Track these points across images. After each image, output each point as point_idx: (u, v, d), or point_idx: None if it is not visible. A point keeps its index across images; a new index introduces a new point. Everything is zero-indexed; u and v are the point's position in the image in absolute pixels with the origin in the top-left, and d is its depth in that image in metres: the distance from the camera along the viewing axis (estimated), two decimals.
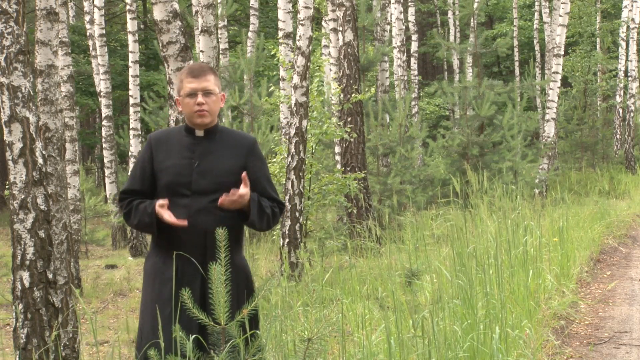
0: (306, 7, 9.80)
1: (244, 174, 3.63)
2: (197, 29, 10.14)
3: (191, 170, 3.71)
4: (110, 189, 17.25)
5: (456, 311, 4.98)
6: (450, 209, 8.40)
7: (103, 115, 17.40)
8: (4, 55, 4.80)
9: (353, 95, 12.40)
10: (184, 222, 3.60)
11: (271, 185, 3.84)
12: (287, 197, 9.56)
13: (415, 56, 26.06)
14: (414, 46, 25.93)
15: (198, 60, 10.03)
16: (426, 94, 31.31)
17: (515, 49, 28.79)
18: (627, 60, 24.11)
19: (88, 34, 18.22)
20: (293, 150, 9.60)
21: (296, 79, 9.66)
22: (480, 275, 5.44)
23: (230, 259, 3.57)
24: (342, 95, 12.38)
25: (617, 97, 24.15)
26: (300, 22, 9.74)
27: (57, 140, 5.98)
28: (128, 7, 17.75)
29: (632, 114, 23.88)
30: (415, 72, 26.02)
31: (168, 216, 3.61)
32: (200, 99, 3.70)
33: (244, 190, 3.63)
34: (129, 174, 3.84)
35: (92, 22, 17.78)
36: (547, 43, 24.75)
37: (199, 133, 3.79)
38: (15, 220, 4.80)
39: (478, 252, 5.76)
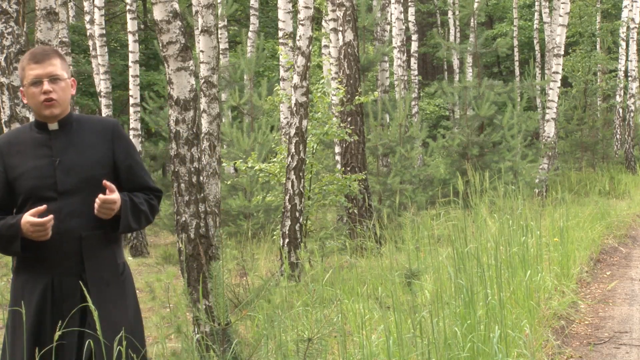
0: (306, 7, 9.80)
1: (104, 181, 3.20)
2: (197, 29, 10.13)
3: (53, 170, 3.23)
4: None
5: (456, 311, 4.98)
6: (450, 209, 8.40)
7: (103, 115, 17.40)
8: (4, 55, 4.81)
9: (356, 97, 12.41)
10: (43, 208, 3.13)
11: (144, 171, 3.45)
12: (287, 197, 9.56)
13: (415, 56, 26.06)
14: (414, 46, 25.93)
15: (198, 61, 10.02)
16: (426, 94, 31.32)
17: (515, 49, 28.79)
18: (627, 60, 24.12)
19: (88, 34, 18.21)
20: (293, 150, 9.60)
21: (296, 79, 9.67)
22: (481, 275, 5.43)
23: (114, 264, 3.32)
24: (345, 98, 12.37)
25: (617, 97, 24.15)
26: (300, 22, 9.74)
27: None
28: (128, 7, 17.75)
29: (632, 114, 23.88)
30: (415, 72, 26.02)
31: (31, 216, 3.11)
32: (46, 86, 3.22)
33: (113, 196, 3.20)
34: None
35: (92, 22, 17.77)
36: (547, 43, 24.76)
37: (53, 126, 3.30)
38: None
39: (479, 252, 5.75)
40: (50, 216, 3.12)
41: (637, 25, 23.36)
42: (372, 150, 15.22)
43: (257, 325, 5.68)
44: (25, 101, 3.31)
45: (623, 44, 24.10)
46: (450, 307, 4.99)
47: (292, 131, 9.67)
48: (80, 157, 3.28)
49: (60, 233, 3.18)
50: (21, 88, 3.31)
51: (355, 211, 12.09)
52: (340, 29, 12.81)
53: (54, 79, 3.24)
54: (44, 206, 3.12)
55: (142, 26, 27.13)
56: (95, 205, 3.18)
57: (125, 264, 3.40)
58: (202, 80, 8.59)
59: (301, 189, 9.57)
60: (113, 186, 3.22)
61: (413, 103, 23.38)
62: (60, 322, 3.13)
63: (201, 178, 5.39)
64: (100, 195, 3.18)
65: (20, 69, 3.31)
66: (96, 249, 3.25)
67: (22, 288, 3.25)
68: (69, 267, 3.21)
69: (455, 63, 29.25)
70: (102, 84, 17.33)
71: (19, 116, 4.82)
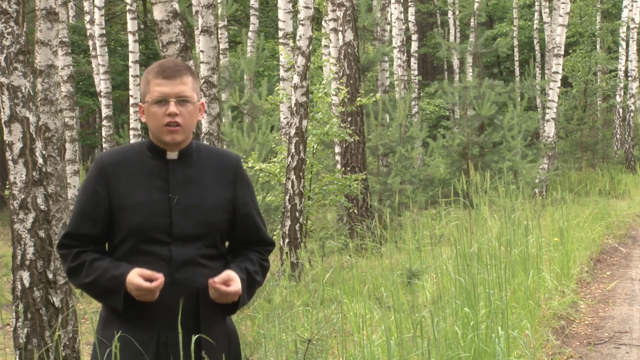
0: (306, 7, 9.80)
1: (214, 282, 2.68)
2: (197, 29, 10.14)
3: (169, 208, 2.73)
4: None
5: (457, 311, 4.97)
6: (451, 209, 8.41)
7: (103, 115, 17.41)
8: (4, 55, 4.80)
9: (358, 99, 12.42)
10: (159, 277, 2.64)
11: (261, 218, 2.95)
12: (287, 197, 9.56)
13: (415, 56, 26.07)
14: (414, 46, 25.94)
15: (198, 61, 10.01)
16: (426, 94, 31.32)
17: (515, 49, 28.79)
18: (627, 60, 24.12)
19: (88, 34, 18.23)
20: (293, 150, 9.60)
21: (296, 79, 9.66)
22: (483, 276, 5.43)
23: (224, 320, 2.86)
24: (346, 99, 12.37)
25: (617, 97, 24.16)
26: (300, 22, 9.74)
27: (57, 140, 5.98)
28: (128, 7, 17.76)
29: (632, 114, 23.88)
30: (415, 72, 26.03)
31: (142, 282, 2.62)
32: (172, 107, 2.71)
33: (235, 288, 2.71)
34: (73, 211, 2.80)
35: (92, 22, 17.78)
36: (547, 43, 24.76)
37: (172, 155, 2.78)
38: (15, 220, 4.80)
39: (480, 252, 5.75)
40: (161, 280, 2.63)
41: (637, 25, 23.36)
42: (372, 150, 15.23)
43: (258, 325, 5.68)
44: (143, 119, 2.80)
45: (623, 44, 24.10)
46: (451, 306, 4.98)
47: (292, 131, 9.66)
48: (199, 198, 2.77)
49: (174, 284, 2.68)
50: (140, 103, 2.80)
51: (355, 211, 12.09)
52: (340, 29, 12.81)
53: (182, 100, 2.73)
54: (160, 276, 2.63)
55: (142, 26, 27.13)
56: (215, 291, 2.71)
57: (233, 327, 2.95)
58: (202, 80, 8.59)
59: (301, 189, 9.57)
60: (231, 276, 2.73)
61: (413, 103, 23.38)
62: None
63: None
64: (224, 285, 2.70)
65: (143, 82, 2.78)
66: (213, 304, 2.76)
67: (123, 337, 2.69)
68: (177, 323, 2.69)
69: (456, 63, 29.25)
70: (102, 84, 17.34)
71: (19, 116, 4.82)
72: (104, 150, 16.84)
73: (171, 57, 5.74)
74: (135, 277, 2.63)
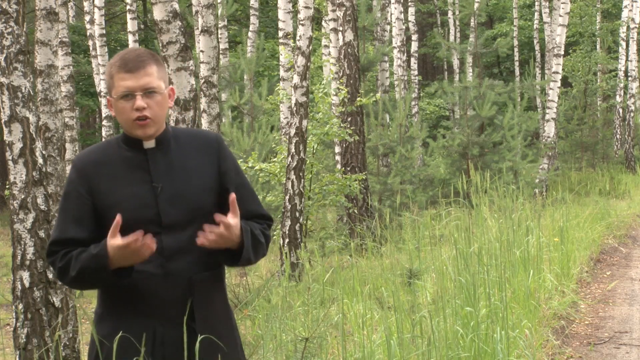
0: (306, 7, 9.80)
1: (232, 196, 2.61)
2: (197, 29, 10.14)
3: (154, 199, 2.65)
4: None
5: (457, 311, 4.98)
6: (451, 209, 8.41)
7: (103, 115, 17.43)
8: (4, 55, 4.81)
9: (358, 99, 12.43)
10: (118, 219, 2.54)
11: (254, 194, 2.84)
12: (287, 197, 9.56)
13: (415, 56, 26.08)
14: (414, 46, 25.95)
15: (198, 61, 10.02)
16: (426, 94, 31.32)
17: (515, 49, 28.80)
18: (627, 60, 24.12)
19: (88, 34, 18.23)
20: (293, 150, 9.60)
21: (296, 79, 9.67)
22: (483, 276, 5.44)
23: (225, 311, 2.80)
24: (346, 98, 12.38)
25: (617, 97, 24.16)
26: (300, 22, 9.74)
27: (57, 140, 5.98)
28: (128, 7, 17.78)
29: (632, 114, 23.89)
30: (416, 72, 26.03)
31: (122, 240, 2.53)
32: (139, 101, 2.61)
33: (233, 220, 2.60)
34: (57, 217, 2.74)
35: (92, 22, 17.79)
36: (547, 43, 24.76)
37: (149, 144, 2.69)
38: (15, 220, 4.80)
39: (480, 252, 5.75)
40: (139, 233, 2.55)
41: (637, 25, 23.36)
42: (372, 150, 15.23)
43: (258, 325, 5.68)
44: (112, 113, 2.74)
45: (623, 44, 24.10)
46: (451, 306, 4.99)
47: (292, 131, 9.67)
48: (185, 184, 2.69)
49: (167, 275, 2.63)
50: (108, 97, 2.72)
51: (355, 211, 12.09)
52: (340, 29, 12.81)
53: (150, 92, 2.63)
54: (118, 217, 2.55)
55: (142, 26, 27.13)
56: (212, 233, 2.59)
57: (231, 310, 2.86)
58: (202, 80, 8.60)
59: (301, 189, 9.57)
60: (237, 208, 2.63)
61: (413, 103, 23.38)
62: None
63: None
64: (226, 219, 2.58)
65: (108, 77, 2.69)
66: (208, 294, 2.71)
67: (111, 338, 2.63)
68: (174, 315, 2.64)
69: (456, 63, 29.25)
70: (102, 84, 17.35)
71: (19, 116, 4.82)
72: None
73: (172, 56, 5.74)
74: (112, 241, 2.54)
